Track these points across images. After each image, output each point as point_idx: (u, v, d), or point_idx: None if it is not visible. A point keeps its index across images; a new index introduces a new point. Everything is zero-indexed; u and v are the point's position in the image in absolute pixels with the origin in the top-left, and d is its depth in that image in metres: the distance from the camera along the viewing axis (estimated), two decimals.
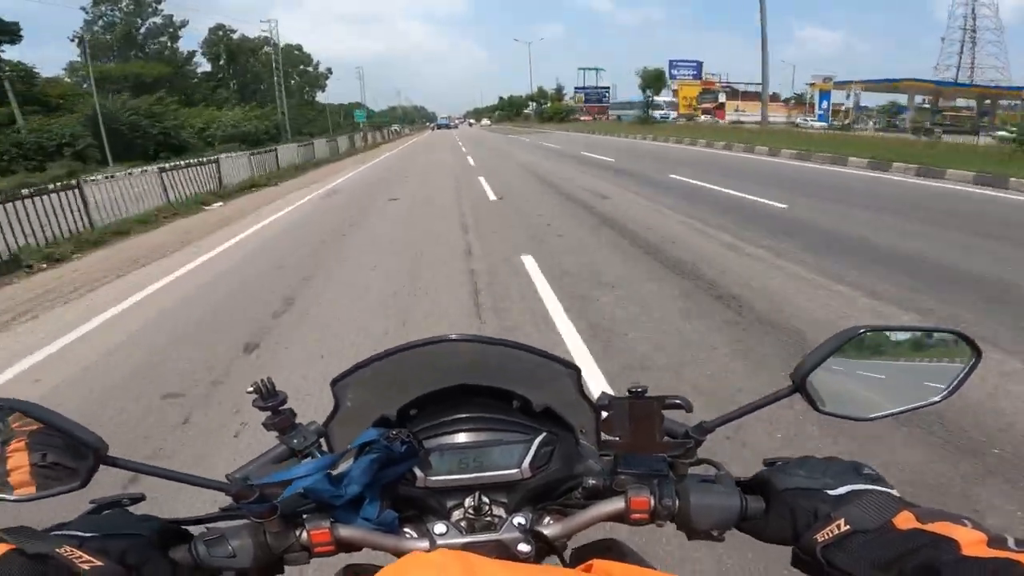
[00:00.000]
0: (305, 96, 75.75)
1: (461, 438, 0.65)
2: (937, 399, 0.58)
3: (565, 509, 0.63)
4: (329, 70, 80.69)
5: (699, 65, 64.40)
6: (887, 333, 0.58)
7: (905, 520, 0.47)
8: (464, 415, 0.66)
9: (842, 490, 0.52)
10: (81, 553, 0.47)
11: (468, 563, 0.42)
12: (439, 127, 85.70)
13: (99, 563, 0.47)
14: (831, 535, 0.49)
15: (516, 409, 0.68)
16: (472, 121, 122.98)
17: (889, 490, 0.51)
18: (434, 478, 0.62)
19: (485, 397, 0.69)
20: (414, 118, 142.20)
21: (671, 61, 60.52)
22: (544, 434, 0.64)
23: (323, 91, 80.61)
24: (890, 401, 0.58)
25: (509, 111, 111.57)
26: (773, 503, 0.56)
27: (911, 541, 0.45)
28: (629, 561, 0.61)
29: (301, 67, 75.54)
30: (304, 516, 0.58)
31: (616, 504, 0.59)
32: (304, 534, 0.57)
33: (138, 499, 0.59)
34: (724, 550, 1.96)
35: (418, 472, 0.62)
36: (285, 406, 0.69)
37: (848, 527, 0.48)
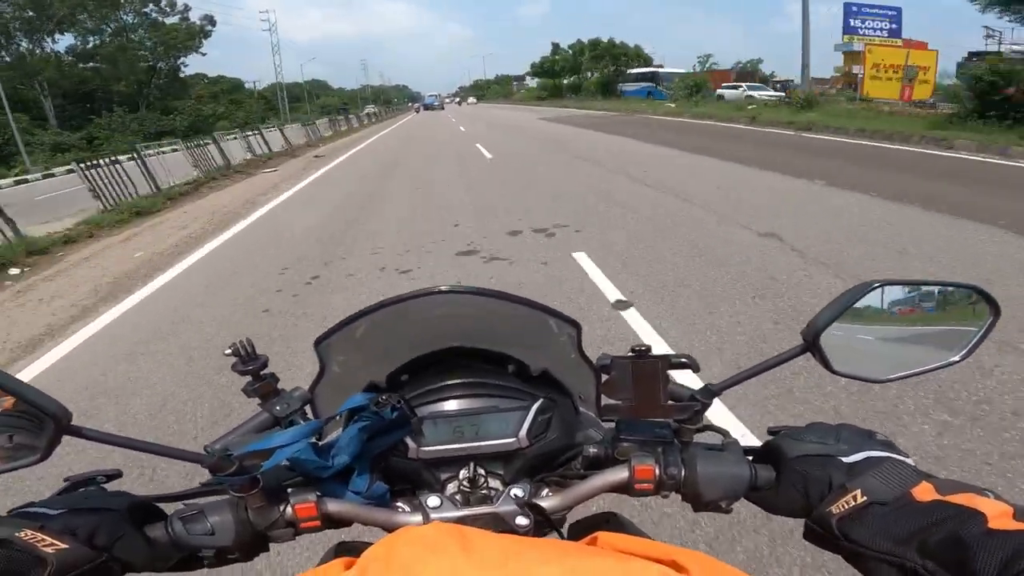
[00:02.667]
0: (160, 62, 48.09)
1: (455, 405, 0.63)
2: (956, 359, 0.57)
3: (565, 480, 0.61)
4: (211, 20, 50.28)
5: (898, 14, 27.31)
6: (902, 288, 0.57)
7: (925, 491, 0.46)
8: (458, 380, 0.64)
9: (856, 457, 0.51)
10: (44, 536, 0.45)
11: (464, 536, 0.41)
12: (426, 108, 72.21)
13: (64, 545, 0.45)
14: (846, 507, 0.48)
15: (512, 373, 0.66)
16: (460, 100, 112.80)
17: (904, 459, 0.50)
18: (427, 448, 0.60)
19: (480, 360, 0.67)
20: (392, 98, 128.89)
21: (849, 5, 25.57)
22: (541, 400, 0.62)
23: (200, 54, 51.77)
24: (905, 361, 0.57)
25: (502, 88, 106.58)
26: (784, 472, 0.54)
27: (933, 513, 0.44)
28: (629, 532, 0.60)
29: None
30: (289, 490, 0.56)
31: (619, 474, 0.57)
32: (289, 509, 0.55)
33: (114, 475, 0.57)
34: (729, 522, 1.96)
35: (410, 442, 0.60)
36: (267, 370, 0.66)
37: (865, 498, 0.47)
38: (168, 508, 0.57)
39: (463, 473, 0.60)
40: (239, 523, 0.54)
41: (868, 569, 0.47)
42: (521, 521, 0.55)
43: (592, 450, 0.61)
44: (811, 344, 0.55)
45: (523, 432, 0.60)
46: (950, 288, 0.58)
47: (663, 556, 0.41)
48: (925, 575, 0.42)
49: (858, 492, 0.48)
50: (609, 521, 0.64)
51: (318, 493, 0.56)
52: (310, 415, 0.67)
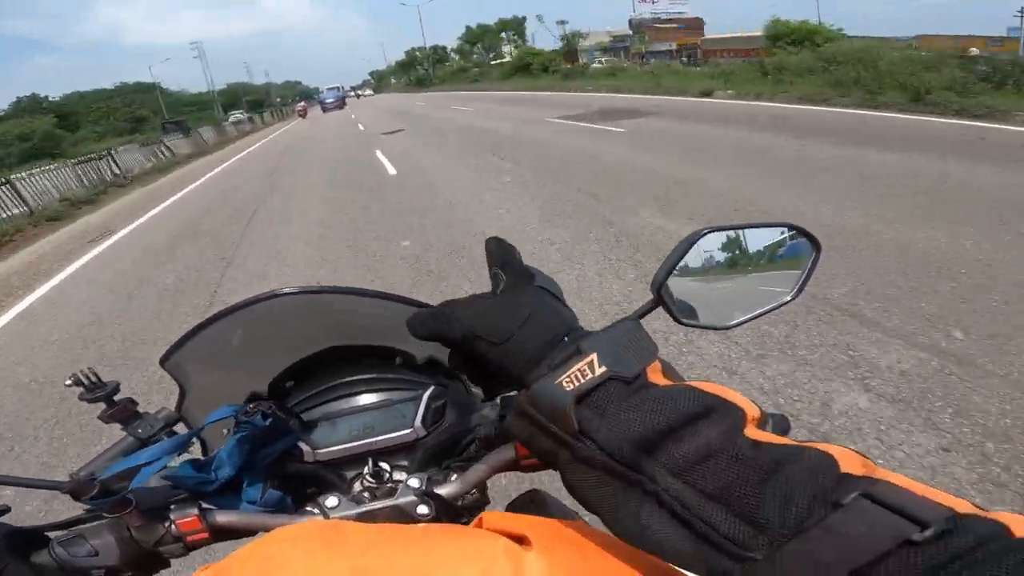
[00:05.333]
0: None
1: (346, 404, 0.64)
2: (788, 298, 0.60)
3: (467, 464, 0.62)
4: None
5: None
6: (731, 233, 0.60)
7: (656, 372, 0.41)
8: (345, 379, 0.65)
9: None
10: None
11: (338, 530, 0.42)
12: (328, 104, 50.80)
13: None
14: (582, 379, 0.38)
15: (400, 364, 0.67)
16: (358, 93, 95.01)
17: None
18: (323, 450, 0.61)
19: (365, 356, 0.67)
20: (262, 99, 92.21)
21: None
22: (432, 387, 0.64)
23: None
24: (744, 305, 0.60)
25: (410, 74, 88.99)
26: None
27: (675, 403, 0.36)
28: (548, 510, 0.61)
29: None
30: (172, 506, 0.57)
31: (507, 452, 0.59)
32: (173, 525, 0.56)
33: (4, 511, 0.56)
34: None
35: (304, 447, 0.61)
36: (119, 395, 0.66)
37: (603, 369, 0.38)
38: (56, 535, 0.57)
39: (365, 470, 0.61)
40: (122, 543, 0.55)
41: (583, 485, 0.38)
42: (422, 510, 0.56)
43: (484, 431, 0.63)
44: (657, 298, 0.56)
45: (418, 422, 0.62)
46: (772, 227, 0.61)
47: (535, 531, 0.40)
48: (671, 503, 0.33)
49: (594, 357, 0.39)
50: (533, 501, 0.65)
51: (200, 506, 0.57)
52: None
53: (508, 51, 68.39)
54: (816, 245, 0.60)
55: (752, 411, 0.36)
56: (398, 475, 0.62)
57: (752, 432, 0.34)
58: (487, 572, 0.36)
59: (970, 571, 0.24)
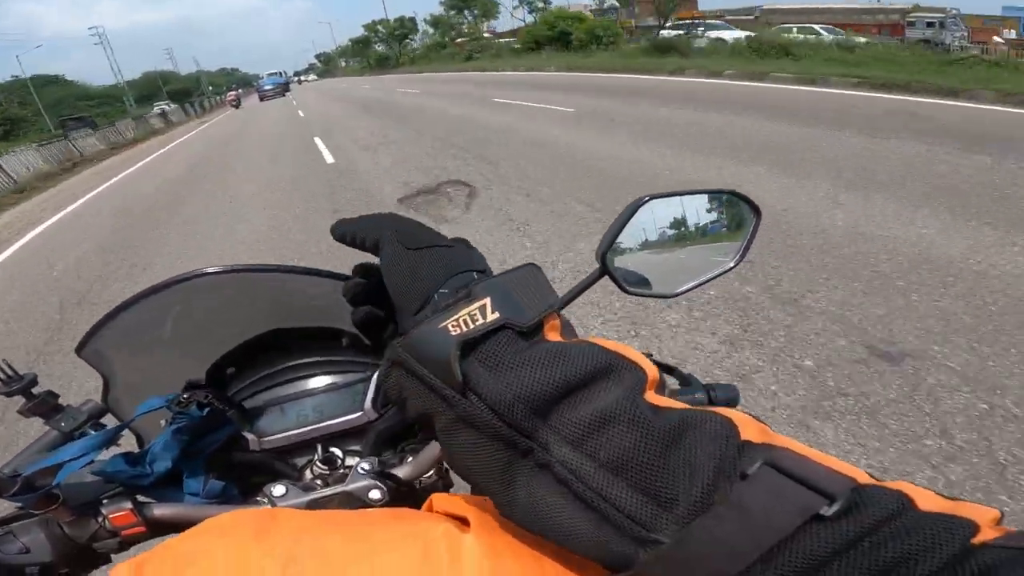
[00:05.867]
0: None
1: (292, 389, 0.62)
2: (731, 264, 0.61)
3: (422, 446, 0.61)
4: None
5: None
6: (672, 199, 0.60)
7: (553, 330, 0.36)
8: (290, 363, 0.63)
9: None
10: None
11: (272, 518, 0.40)
12: (267, 92, 43.40)
13: None
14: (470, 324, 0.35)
15: (347, 346, 0.66)
16: (300, 79, 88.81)
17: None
18: (269, 438, 0.59)
19: (308, 339, 0.66)
20: (191, 89, 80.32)
21: None
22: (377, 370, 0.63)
23: None
24: (689, 272, 0.61)
25: (367, 54, 76.18)
26: None
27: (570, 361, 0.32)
28: None
29: None
30: (104, 500, 0.54)
31: None
32: (107, 520, 0.54)
33: None
34: None
35: (249, 435, 0.59)
36: (38, 387, 0.63)
37: (496, 315, 0.35)
38: None
39: (316, 456, 0.60)
40: (54, 539, 0.53)
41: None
42: (375, 495, 0.55)
43: None
44: (604, 267, 0.56)
45: (367, 404, 0.61)
46: (712, 195, 0.62)
47: (481, 512, 0.39)
48: (566, 477, 0.30)
49: (487, 302, 0.35)
50: None
51: (134, 499, 0.54)
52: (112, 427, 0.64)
53: (519, 16, 51.11)
54: (756, 211, 0.61)
55: (652, 372, 0.33)
56: (350, 460, 0.61)
57: (652, 396, 0.32)
58: (425, 555, 0.34)
59: (880, 549, 0.23)
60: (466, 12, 55.77)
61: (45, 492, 0.50)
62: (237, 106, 38.30)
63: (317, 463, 0.60)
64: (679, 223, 0.62)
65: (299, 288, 0.64)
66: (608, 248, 0.55)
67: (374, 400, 0.61)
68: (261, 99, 42.95)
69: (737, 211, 0.63)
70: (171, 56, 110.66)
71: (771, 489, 0.26)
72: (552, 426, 0.30)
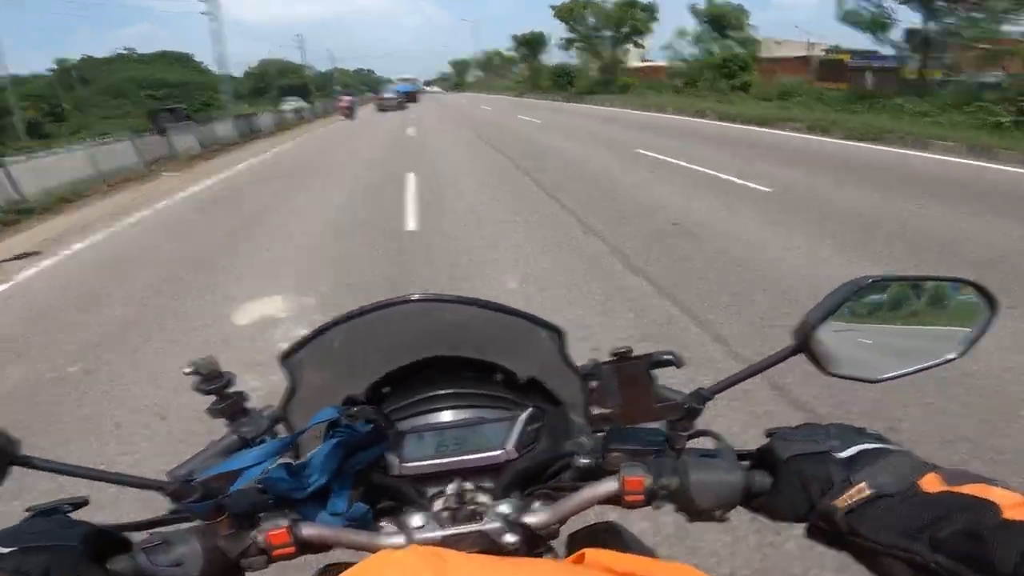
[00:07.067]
0: None
1: (439, 417, 0.62)
2: (953, 356, 0.57)
3: (555, 492, 0.61)
4: None
5: None
6: (896, 284, 0.57)
7: (932, 482, 0.45)
8: (442, 391, 0.64)
9: (851, 451, 0.50)
10: None
11: (442, 559, 0.41)
12: (388, 101, 37.88)
13: None
14: (851, 501, 0.47)
15: (499, 382, 0.66)
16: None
17: (906, 450, 0.50)
18: (410, 464, 0.59)
19: (464, 369, 0.66)
20: (308, 87, 64.23)
21: None
22: (530, 409, 0.62)
23: None
24: (902, 359, 0.57)
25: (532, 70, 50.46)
26: (781, 475, 0.53)
27: (943, 505, 0.43)
28: (628, 546, 0.60)
29: None
30: (261, 515, 0.53)
31: (609, 485, 0.56)
32: (261, 536, 0.52)
33: (80, 503, 0.54)
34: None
35: (392, 458, 0.59)
36: (232, 388, 0.64)
37: (870, 491, 0.46)
38: (135, 537, 0.54)
39: (450, 489, 0.59)
40: (208, 552, 0.51)
41: (877, 565, 0.46)
42: (508, 539, 0.54)
43: (583, 460, 0.60)
44: (802, 344, 0.54)
45: (511, 444, 0.60)
46: (945, 282, 0.59)
47: (645, 573, 0.41)
48: (937, 570, 0.41)
49: (863, 484, 0.47)
50: (607, 531, 0.63)
51: (294, 517, 0.54)
52: (283, 435, 0.65)
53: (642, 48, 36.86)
54: (993, 304, 0.56)
55: (1010, 499, 0.41)
56: (481, 497, 0.60)
57: (1013, 513, 0.40)
58: None
59: None
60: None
61: (217, 502, 0.50)
62: (351, 114, 31.13)
63: (449, 496, 0.59)
64: (898, 304, 0.57)
65: (471, 318, 0.63)
66: (815, 326, 0.53)
67: (518, 441, 0.60)
68: (381, 109, 36.68)
69: (966, 301, 0.59)
70: (300, 45, 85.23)
71: None
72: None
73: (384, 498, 0.60)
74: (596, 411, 0.63)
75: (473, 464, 0.60)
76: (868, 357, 0.57)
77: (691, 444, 0.59)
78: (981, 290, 0.56)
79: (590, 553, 0.46)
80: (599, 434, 0.62)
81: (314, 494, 0.55)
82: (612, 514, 0.64)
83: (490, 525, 0.55)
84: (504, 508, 0.57)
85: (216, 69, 40.04)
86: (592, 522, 0.67)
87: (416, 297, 0.60)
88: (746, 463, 0.57)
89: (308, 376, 0.63)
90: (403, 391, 0.65)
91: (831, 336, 0.54)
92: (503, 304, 0.62)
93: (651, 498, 0.56)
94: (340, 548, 0.56)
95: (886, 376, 0.56)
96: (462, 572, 0.39)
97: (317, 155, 15.32)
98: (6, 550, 0.45)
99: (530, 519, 0.57)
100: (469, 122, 22.91)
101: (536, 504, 0.59)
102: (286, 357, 0.62)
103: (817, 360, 0.55)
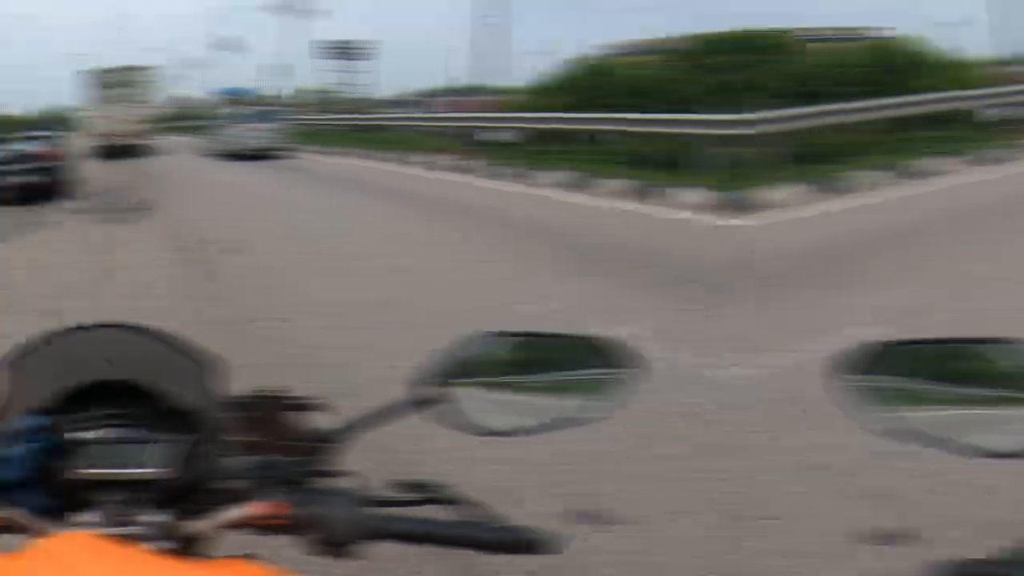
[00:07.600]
0: None
1: (108, 433, 0.69)
2: (594, 415, 0.59)
3: (207, 513, 0.66)
4: None
5: None
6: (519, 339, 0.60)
7: None
8: (114, 411, 0.71)
9: None
10: None
11: (97, 549, 0.45)
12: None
13: None
14: None
15: (162, 408, 0.72)
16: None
17: None
18: (79, 471, 0.65)
19: (136, 391, 0.73)
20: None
21: None
22: (189, 433, 0.69)
23: None
24: (540, 415, 0.59)
25: None
26: None
27: None
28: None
29: None
30: None
31: (251, 509, 0.62)
32: None
33: None
34: None
35: (63, 465, 0.65)
36: None
37: None
38: None
39: (114, 497, 0.65)
40: None
41: None
42: (162, 547, 0.59)
43: (231, 484, 0.66)
44: (415, 401, 0.59)
45: (168, 463, 0.66)
46: (574, 339, 0.61)
47: None
48: None
49: None
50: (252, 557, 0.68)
51: None
52: None
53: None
54: (636, 362, 0.58)
55: None
56: (141, 509, 0.65)
57: None
58: None
59: None
60: None
61: None
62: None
63: (113, 504, 0.65)
64: (533, 364, 0.57)
65: (138, 344, 0.75)
66: (428, 381, 0.52)
67: (174, 461, 0.67)
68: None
69: (606, 358, 0.59)
70: None
71: None
72: None
73: (54, 502, 0.66)
74: (245, 439, 0.70)
75: (133, 477, 0.66)
76: (503, 413, 0.57)
77: (334, 481, 0.66)
78: (618, 347, 0.57)
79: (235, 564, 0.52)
80: (247, 459, 0.69)
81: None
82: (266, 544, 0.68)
83: (145, 532, 0.61)
84: (158, 518, 0.63)
85: None
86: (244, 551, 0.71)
87: (92, 324, 0.71)
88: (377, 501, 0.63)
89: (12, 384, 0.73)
90: (81, 407, 0.71)
91: (465, 392, 0.55)
92: (168, 334, 0.71)
93: (290, 527, 0.62)
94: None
95: (521, 432, 0.58)
96: (115, 560, 0.44)
97: None
98: None
99: (183, 531, 0.63)
100: None
101: (192, 521, 0.65)
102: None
103: (440, 417, 0.58)
